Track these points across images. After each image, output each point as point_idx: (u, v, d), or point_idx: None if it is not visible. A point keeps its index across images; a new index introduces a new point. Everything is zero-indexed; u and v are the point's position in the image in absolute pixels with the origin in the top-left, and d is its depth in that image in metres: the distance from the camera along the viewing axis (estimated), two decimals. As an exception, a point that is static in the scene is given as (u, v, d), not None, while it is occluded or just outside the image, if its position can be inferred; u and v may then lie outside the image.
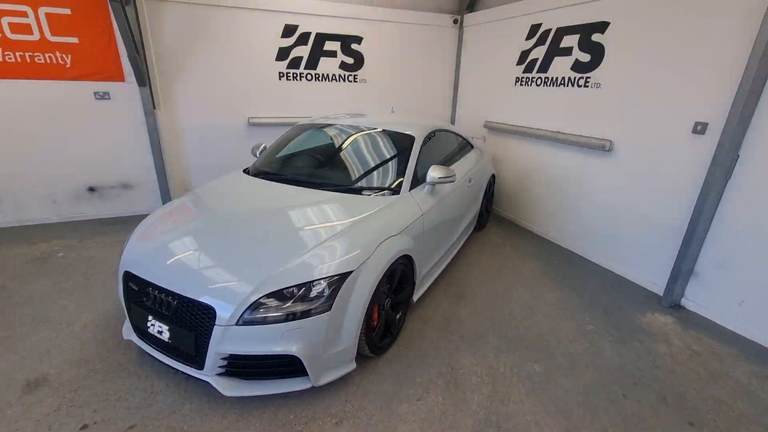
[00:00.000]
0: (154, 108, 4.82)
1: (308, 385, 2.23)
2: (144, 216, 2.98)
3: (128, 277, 2.39)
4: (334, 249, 2.34)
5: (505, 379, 2.56)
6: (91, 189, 4.98)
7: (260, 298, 2.07)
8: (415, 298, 3.07)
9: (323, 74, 5.65)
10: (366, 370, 2.57)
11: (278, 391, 2.20)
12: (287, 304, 2.10)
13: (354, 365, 2.42)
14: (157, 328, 2.25)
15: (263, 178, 3.33)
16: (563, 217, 4.67)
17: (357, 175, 3.26)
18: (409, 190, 3.07)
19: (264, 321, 2.06)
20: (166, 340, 2.24)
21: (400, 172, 3.15)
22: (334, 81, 5.75)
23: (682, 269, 3.34)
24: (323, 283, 2.17)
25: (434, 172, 3.07)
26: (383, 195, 2.97)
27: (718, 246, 3.19)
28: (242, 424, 2.17)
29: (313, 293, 2.15)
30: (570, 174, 4.50)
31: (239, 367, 2.19)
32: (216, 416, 2.21)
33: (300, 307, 2.11)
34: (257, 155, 3.88)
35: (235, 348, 2.09)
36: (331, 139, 3.69)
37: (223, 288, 2.13)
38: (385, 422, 2.21)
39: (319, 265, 2.22)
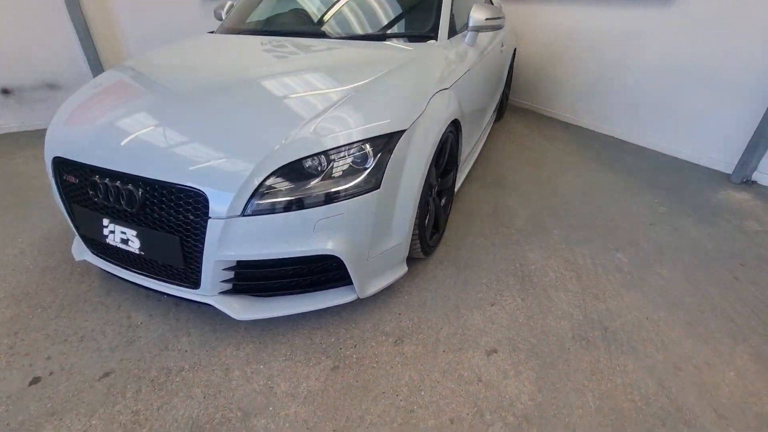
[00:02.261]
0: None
1: (352, 298, 1.61)
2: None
3: (61, 166, 1.58)
4: (372, 103, 1.58)
5: (590, 273, 2.03)
6: (5, 91, 3.81)
7: (275, 171, 1.33)
8: (458, 185, 2.41)
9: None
10: (414, 276, 1.97)
11: (310, 309, 1.57)
12: (314, 182, 1.38)
13: (405, 268, 1.80)
14: (119, 235, 1.50)
15: (240, 35, 2.40)
16: (598, 98, 3.97)
17: (376, 19, 2.36)
18: (448, 38, 2.24)
19: (285, 207, 1.35)
20: (136, 251, 1.51)
21: (435, 14, 2.28)
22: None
23: (764, 136, 2.79)
24: (367, 148, 1.44)
25: (478, 13, 2.21)
26: (416, 43, 2.14)
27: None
28: (266, 355, 1.56)
29: (352, 165, 1.43)
30: (612, 40, 3.71)
31: (250, 279, 1.52)
32: (227, 349, 1.58)
33: (338, 186, 1.40)
34: (223, 17, 2.85)
35: (242, 251, 1.39)
36: None
37: (216, 164, 1.37)
38: (460, 335, 1.65)
39: (354, 126, 1.46)
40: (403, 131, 1.53)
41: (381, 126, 1.48)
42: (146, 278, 1.60)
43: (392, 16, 2.39)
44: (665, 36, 3.31)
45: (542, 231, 2.37)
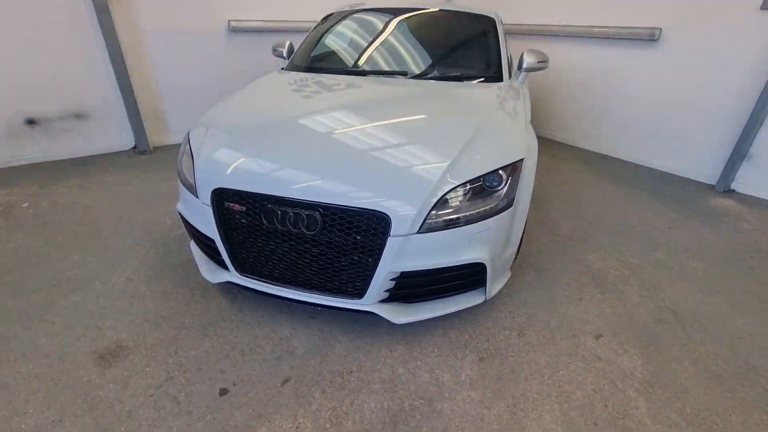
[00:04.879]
0: (107, 3, 3.60)
1: (481, 299, 1.89)
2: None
3: (222, 196, 1.74)
4: (497, 135, 1.92)
5: (643, 269, 2.45)
6: (31, 122, 3.74)
7: (446, 193, 1.61)
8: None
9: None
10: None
11: (449, 311, 1.83)
12: (473, 201, 1.67)
13: (510, 273, 2.12)
14: (289, 255, 1.70)
15: (327, 73, 2.67)
16: (594, 122, 4.58)
17: (452, 62, 2.74)
18: (509, 79, 2.64)
19: (451, 224, 1.63)
20: (307, 269, 1.71)
21: (497, 59, 2.68)
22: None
23: (740, 153, 3.44)
24: (503, 174, 1.76)
25: (530, 57, 2.65)
26: (488, 82, 2.52)
27: (775, 126, 3.30)
28: (417, 353, 1.80)
29: (488, 188, 1.74)
30: (604, 73, 4.34)
31: (407, 287, 1.76)
32: (382, 351, 1.80)
33: (486, 204, 1.70)
34: (285, 55, 3.07)
35: (410, 263, 1.64)
36: (397, 25, 3.03)
37: (396, 186, 1.62)
38: (568, 325, 1.98)
39: (493, 154, 1.78)
40: (522, 159, 1.87)
41: (512, 154, 1.81)
42: (304, 293, 1.79)
43: (459, 60, 2.76)
44: (652, 71, 3.96)
45: (589, 237, 2.78)
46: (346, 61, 2.86)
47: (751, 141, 3.41)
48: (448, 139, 1.83)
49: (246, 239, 1.78)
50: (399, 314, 1.77)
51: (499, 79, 2.57)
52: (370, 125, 1.98)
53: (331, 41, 3.03)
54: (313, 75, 2.69)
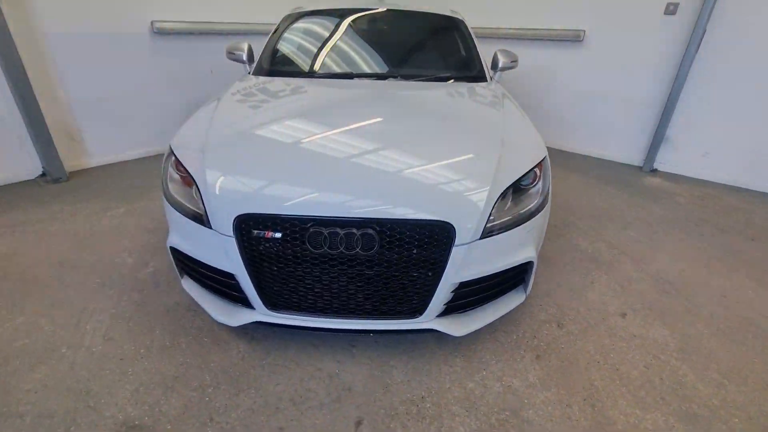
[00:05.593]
0: (-4, -1, 2.88)
1: (522, 298, 1.88)
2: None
3: (250, 224, 1.48)
4: (520, 133, 1.95)
5: (627, 247, 2.69)
6: None
7: (500, 195, 1.56)
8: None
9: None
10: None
11: (500, 315, 1.79)
12: (516, 201, 1.66)
13: (533, 268, 2.15)
14: (339, 282, 1.51)
15: (313, 77, 2.47)
16: (533, 116, 4.93)
17: (438, 63, 2.72)
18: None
19: (506, 226, 1.59)
20: (361, 295, 1.53)
21: (477, 58, 2.73)
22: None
23: (660, 137, 4.00)
24: (537, 172, 1.77)
25: (504, 57, 2.74)
26: (475, 82, 2.55)
27: (685, 112, 3.89)
28: (477, 363, 1.73)
29: (528, 185, 1.74)
30: (539, 71, 4.71)
31: (463, 297, 1.67)
32: (442, 368, 1.70)
33: (530, 202, 1.70)
34: (244, 59, 2.74)
35: (470, 272, 1.56)
36: (371, 26, 2.91)
37: (454, 194, 1.54)
38: (594, 309, 2.08)
39: (526, 152, 1.79)
40: (545, 157, 1.90)
41: (540, 150, 1.84)
42: (354, 321, 1.61)
43: (444, 61, 2.75)
44: (580, 67, 4.41)
45: (571, 224, 2.98)
46: (331, 65, 2.66)
47: (667, 126, 3.98)
48: (483, 140, 1.80)
49: (280, 270, 1.54)
50: (458, 327, 1.68)
51: (484, 78, 2.62)
52: (399, 131, 1.87)
53: (307, 43, 2.81)
54: (301, 80, 2.46)
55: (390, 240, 1.46)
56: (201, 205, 1.56)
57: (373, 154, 1.68)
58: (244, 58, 2.75)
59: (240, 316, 1.67)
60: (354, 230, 1.44)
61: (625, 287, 2.27)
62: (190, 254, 1.68)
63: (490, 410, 1.52)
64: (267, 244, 1.50)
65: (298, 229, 1.46)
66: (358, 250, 1.46)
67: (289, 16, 2.99)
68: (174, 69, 4.05)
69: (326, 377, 1.64)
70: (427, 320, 1.63)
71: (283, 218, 1.46)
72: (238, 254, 1.52)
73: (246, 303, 1.67)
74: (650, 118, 4.08)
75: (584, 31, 4.22)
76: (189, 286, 1.86)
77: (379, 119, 1.97)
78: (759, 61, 3.44)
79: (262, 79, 2.50)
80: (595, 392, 1.61)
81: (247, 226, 1.49)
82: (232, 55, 2.79)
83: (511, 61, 2.75)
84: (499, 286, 1.76)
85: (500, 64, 2.73)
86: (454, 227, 1.47)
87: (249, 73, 2.66)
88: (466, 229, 1.48)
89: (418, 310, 1.60)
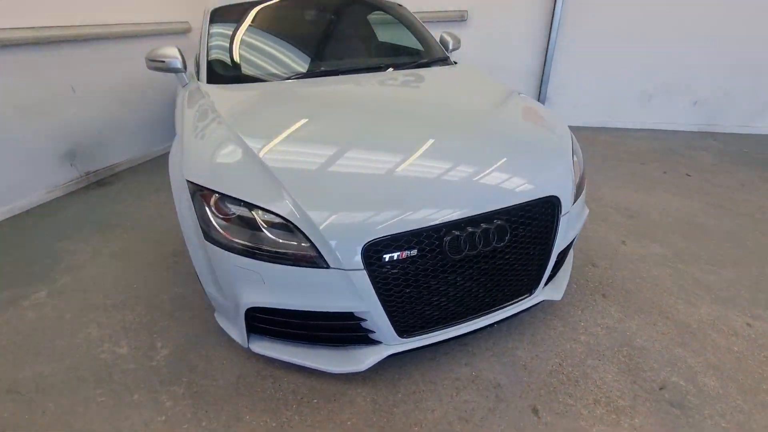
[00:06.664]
0: None
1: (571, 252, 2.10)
2: None
3: (380, 249, 1.28)
4: (540, 109, 2.08)
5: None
6: None
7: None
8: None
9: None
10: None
11: (570, 269, 1.97)
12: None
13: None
14: (472, 281, 1.46)
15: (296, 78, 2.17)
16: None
17: (407, 50, 2.68)
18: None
19: (579, 187, 1.74)
20: (483, 291, 1.51)
21: (434, 42, 2.78)
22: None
23: (544, 97, 4.77)
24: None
25: (452, 39, 2.88)
26: (446, 65, 2.61)
27: (557, 77, 4.72)
28: (570, 319, 1.87)
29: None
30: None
31: (558, 264, 1.77)
32: (550, 332, 1.80)
33: (580, 163, 1.89)
34: (179, 66, 2.20)
35: (567, 237, 1.67)
36: (323, 16, 2.65)
37: (548, 167, 1.61)
38: (605, 243, 2.44)
39: (555, 129, 1.95)
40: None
41: (565, 123, 2.03)
42: (479, 320, 1.57)
43: (412, 47, 2.70)
44: (468, 43, 4.86)
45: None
46: (307, 63, 2.36)
47: (547, 88, 4.77)
48: (529, 116, 1.89)
49: (413, 290, 1.39)
50: (557, 291, 1.79)
51: (449, 61, 2.69)
52: (448, 119, 1.84)
53: (267, 40, 2.41)
54: (284, 84, 2.12)
55: (516, 226, 1.46)
56: (306, 246, 1.27)
57: (454, 151, 1.59)
58: (178, 65, 2.21)
59: (365, 357, 1.45)
60: (485, 225, 1.39)
61: (648, 249, 2.44)
62: (284, 307, 1.36)
63: (612, 352, 1.69)
64: (402, 266, 1.33)
65: (435, 238, 1.33)
66: (494, 243, 1.41)
67: (217, 10, 2.50)
68: (19, 92, 2.97)
69: (470, 383, 1.56)
70: (539, 293, 1.69)
71: (418, 232, 1.31)
72: (370, 286, 1.30)
73: (366, 340, 1.45)
74: (534, 84, 4.82)
75: (467, 11, 4.66)
76: (265, 346, 1.51)
77: (426, 116, 1.87)
78: (603, 31, 4.39)
79: (235, 86, 2.08)
80: (660, 307, 1.94)
81: (377, 253, 1.29)
82: (157, 64, 2.22)
83: (457, 43, 2.89)
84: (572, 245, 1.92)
85: (450, 46, 2.84)
86: (559, 199, 1.54)
87: (186, 83, 2.21)
88: (567, 198, 1.57)
89: (530, 288, 1.64)
